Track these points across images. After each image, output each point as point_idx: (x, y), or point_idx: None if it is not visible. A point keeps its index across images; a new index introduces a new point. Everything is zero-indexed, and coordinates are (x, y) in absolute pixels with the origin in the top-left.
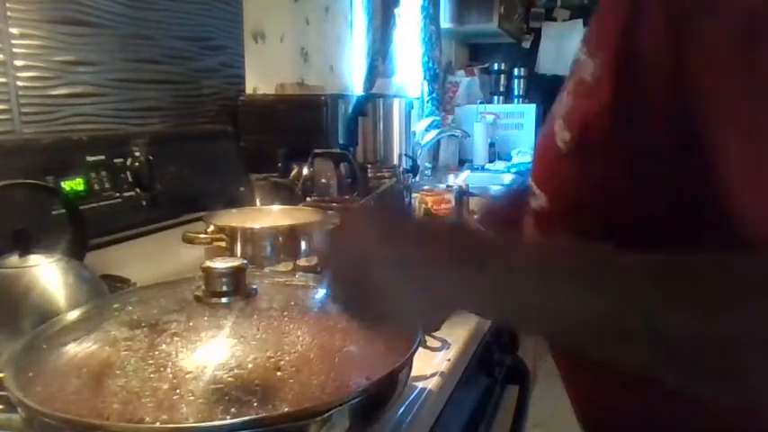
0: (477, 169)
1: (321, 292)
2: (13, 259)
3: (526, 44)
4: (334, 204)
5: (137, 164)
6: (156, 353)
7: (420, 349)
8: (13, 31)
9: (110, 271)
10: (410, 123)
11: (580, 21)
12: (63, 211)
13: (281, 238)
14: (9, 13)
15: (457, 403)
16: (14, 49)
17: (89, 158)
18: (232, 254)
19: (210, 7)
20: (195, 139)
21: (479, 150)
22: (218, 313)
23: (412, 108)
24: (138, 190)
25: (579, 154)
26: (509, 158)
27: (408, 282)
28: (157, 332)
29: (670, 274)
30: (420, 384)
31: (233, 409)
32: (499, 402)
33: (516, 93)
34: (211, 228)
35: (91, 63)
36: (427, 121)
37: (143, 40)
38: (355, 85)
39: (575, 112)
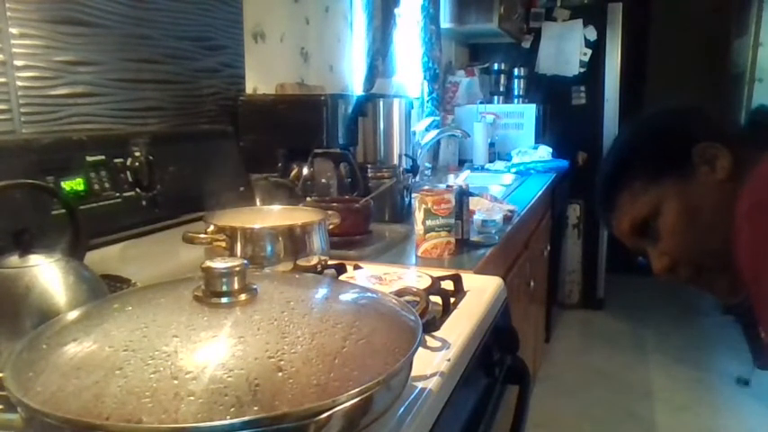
0: (477, 169)
1: (321, 292)
2: (13, 259)
3: (526, 44)
4: (334, 204)
5: (137, 164)
6: (156, 353)
7: (420, 349)
8: (13, 31)
9: (110, 271)
10: (410, 123)
11: (580, 21)
12: (63, 211)
13: (281, 238)
14: (9, 14)
15: (457, 403)
16: (14, 49)
17: (89, 158)
18: (232, 254)
19: (210, 7)
20: (195, 139)
21: (479, 150)
22: (218, 313)
23: (412, 108)
24: (138, 190)
25: None
26: (509, 158)
27: None
28: (157, 332)
29: None
30: (420, 384)
31: (233, 409)
32: (499, 402)
33: (516, 93)
34: (211, 228)
35: (91, 63)
36: (427, 121)
37: (143, 40)
38: (355, 85)
39: None
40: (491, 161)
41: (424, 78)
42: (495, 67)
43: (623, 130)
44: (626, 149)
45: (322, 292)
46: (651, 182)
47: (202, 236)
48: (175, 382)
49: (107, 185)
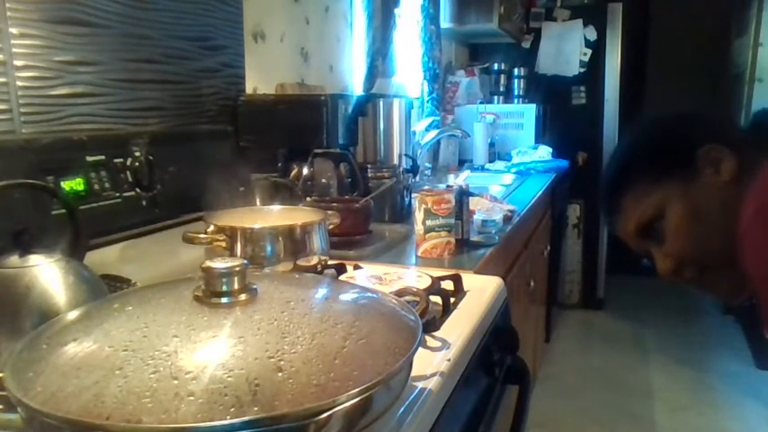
0: (477, 169)
1: (321, 292)
2: (13, 259)
3: (526, 44)
4: (334, 204)
5: (137, 164)
6: (156, 353)
7: (420, 349)
8: (13, 31)
9: (110, 271)
10: (410, 123)
11: (580, 21)
12: (63, 211)
13: (281, 238)
14: (9, 13)
15: (457, 403)
16: (14, 49)
17: (89, 158)
18: (232, 254)
19: (210, 7)
20: (195, 139)
21: (479, 150)
22: (218, 313)
23: (412, 108)
24: (138, 190)
25: None
26: (509, 158)
27: None
28: (157, 332)
29: None
30: (420, 384)
31: (233, 410)
32: (499, 402)
33: (516, 93)
34: (211, 228)
35: (91, 63)
36: (427, 121)
37: (143, 40)
38: (355, 85)
39: None
40: (491, 161)
41: (424, 78)
42: (495, 67)
43: (627, 134)
44: (630, 152)
45: (322, 292)
46: (656, 184)
47: (202, 236)
48: (175, 382)
49: (107, 185)
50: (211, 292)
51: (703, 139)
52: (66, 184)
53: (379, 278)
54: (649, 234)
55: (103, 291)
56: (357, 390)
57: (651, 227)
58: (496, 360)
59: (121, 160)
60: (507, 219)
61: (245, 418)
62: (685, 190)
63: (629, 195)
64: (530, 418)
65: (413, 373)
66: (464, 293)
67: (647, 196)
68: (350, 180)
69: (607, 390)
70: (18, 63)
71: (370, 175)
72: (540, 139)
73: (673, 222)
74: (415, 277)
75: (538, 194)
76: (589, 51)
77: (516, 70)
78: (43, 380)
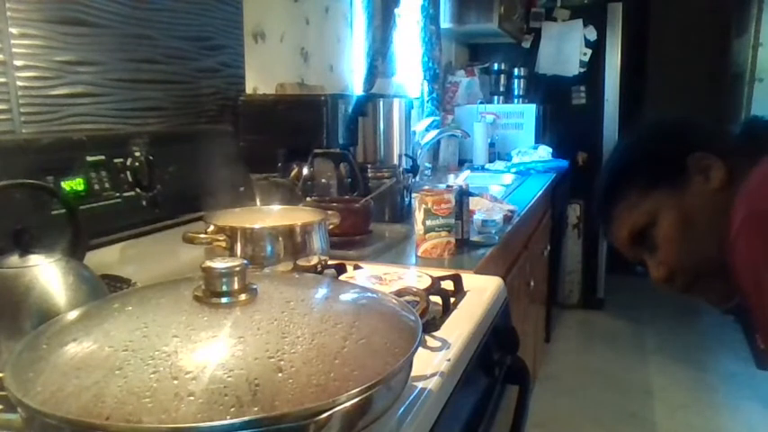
0: (477, 169)
1: (321, 292)
2: (13, 259)
3: (526, 44)
4: (334, 204)
5: (137, 164)
6: (156, 353)
7: (420, 349)
8: (13, 31)
9: (110, 271)
10: (410, 123)
11: (580, 21)
12: (63, 211)
13: (281, 238)
14: (9, 13)
15: (457, 403)
16: (14, 49)
17: (89, 158)
18: (232, 254)
19: (210, 7)
20: (195, 139)
21: (479, 150)
22: (218, 313)
23: (412, 108)
24: (138, 190)
25: None
26: (509, 158)
27: None
28: (157, 332)
29: None
30: (420, 384)
31: (233, 410)
32: (499, 402)
33: (516, 93)
34: (211, 228)
35: (91, 63)
36: (427, 121)
37: (143, 40)
38: (355, 85)
39: None
40: (491, 161)
41: (424, 78)
42: (495, 67)
43: (620, 142)
44: (622, 161)
45: (322, 292)
46: (647, 192)
47: (202, 236)
48: (175, 382)
49: (107, 185)
50: (211, 292)
51: (694, 147)
52: (67, 184)
53: (379, 278)
54: (642, 242)
55: (103, 291)
56: (357, 390)
57: (644, 234)
58: (496, 360)
59: (121, 160)
60: (507, 219)
61: (245, 418)
62: (676, 198)
63: (622, 204)
64: (530, 418)
65: (413, 373)
66: (464, 293)
67: (638, 204)
68: (350, 180)
69: (607, 390)
70: (18, 63)
71: (370, 175)
72: (540, 139)
73: (664, 230)
74: (415, 277)
75: (538, 194)
76: (589, 51)
77: (516, 70)
78: (43, 380)
